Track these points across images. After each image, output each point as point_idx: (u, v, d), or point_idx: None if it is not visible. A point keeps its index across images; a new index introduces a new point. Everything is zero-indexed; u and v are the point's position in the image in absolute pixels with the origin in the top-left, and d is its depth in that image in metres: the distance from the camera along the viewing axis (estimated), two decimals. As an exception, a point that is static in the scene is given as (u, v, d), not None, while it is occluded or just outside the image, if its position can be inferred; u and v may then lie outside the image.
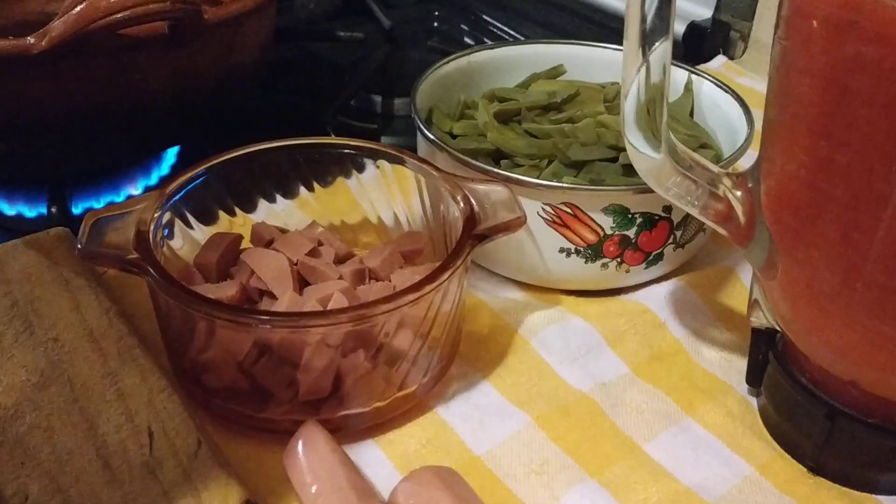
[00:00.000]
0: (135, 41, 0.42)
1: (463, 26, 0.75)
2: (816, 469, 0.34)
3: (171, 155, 0.54)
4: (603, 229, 0.39)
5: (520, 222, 0.36)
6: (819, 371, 0.32)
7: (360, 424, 0.35)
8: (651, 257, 0.41)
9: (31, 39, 0.39)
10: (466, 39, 0.74)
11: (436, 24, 0.76)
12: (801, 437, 0.34)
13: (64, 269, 0.39)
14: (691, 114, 0.48)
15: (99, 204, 0.50)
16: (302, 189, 0.42)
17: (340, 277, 0.38)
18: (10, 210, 0.49)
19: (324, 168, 0.42)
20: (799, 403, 0.33)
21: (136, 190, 0.51)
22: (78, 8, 0.38)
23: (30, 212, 0.49)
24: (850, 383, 0.31)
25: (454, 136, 0.45)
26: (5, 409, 0.33)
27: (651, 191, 0.33)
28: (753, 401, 0.37)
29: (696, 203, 0.33)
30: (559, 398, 0.37)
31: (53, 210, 0.47)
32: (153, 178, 0.52)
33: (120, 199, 0.50)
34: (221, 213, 0.40)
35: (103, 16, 0.38)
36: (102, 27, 0.39)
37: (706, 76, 0.48)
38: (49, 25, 0.39)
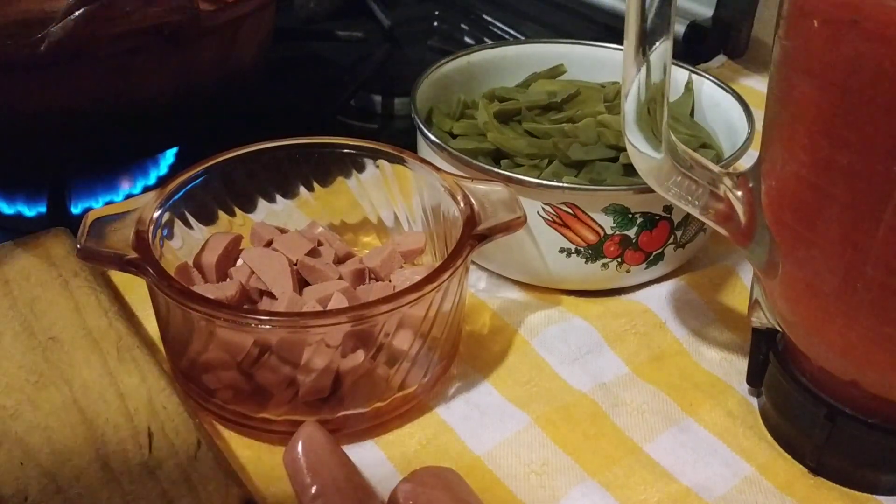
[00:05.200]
0: (133, 45, 0.41)
1: (463, 26, 0.75)
2: (817, 469, 0.34)
3: (170, 155, 0.54)
4: (603, 229, 0.39)
5: (520, 222, 0.36)
6: (820, 371, 0.32)
7: (360, 424, 0.34)
8: (651, 257, 0.41)
9: (30, 44, 0.39)
10: (466, 39, 0.74)
11: (436, 24, 0.76)
12: (801, 437, 0.34)
13: (63, 269, 0.39)
14: (692, 113, 0.48)
15: (98, 204, 0.50)
16: (302, 189, 0.42)
17: (340, 277, 0.38)
18: (9, 210, 0.49)
19: (324, 168, 0.42)
20: (799, 403, 0.33)
21: (135, 190, 0.51)
22: (77, 13, 0.38)
23: (29, 212, 0.49)
24: (850, 383, 0.31)
25: (454, 136, 0.45)
26: (5, 408, 0.33)
27: (651, 191, 0.33)
28: (754, 401, 0.37)
29: (697, 203, 0.33)
30: (559, 398, 0.37)
31: (53, 210, 0.47)
32: (152, 178, 0.52)
33: (119, 199, 0.50)
34: (221, 213, 0.40)
35: (102, 20, 0.38)
36: (101, 31, 0.39)
37: (707, 76, 0.48)
38: (48, 30, 0.38)
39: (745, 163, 0.36)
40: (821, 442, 0.33)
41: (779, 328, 0.34)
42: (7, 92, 0.41)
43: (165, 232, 0.37)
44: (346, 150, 0.41)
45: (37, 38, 0.39)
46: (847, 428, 0.32)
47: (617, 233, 0.40)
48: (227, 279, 0.38)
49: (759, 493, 0.33)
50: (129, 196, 0.50)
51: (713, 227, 0.33)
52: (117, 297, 0.40)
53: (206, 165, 0.38)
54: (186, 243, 0.38)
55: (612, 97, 0.47)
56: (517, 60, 0.51)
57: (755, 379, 0.37)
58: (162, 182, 0.47)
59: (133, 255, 0.33)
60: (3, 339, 0.36)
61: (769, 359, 0.35)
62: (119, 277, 0.41)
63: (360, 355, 0.33)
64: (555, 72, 0.50)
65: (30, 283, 0.38)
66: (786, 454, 0.35)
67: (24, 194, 0.49)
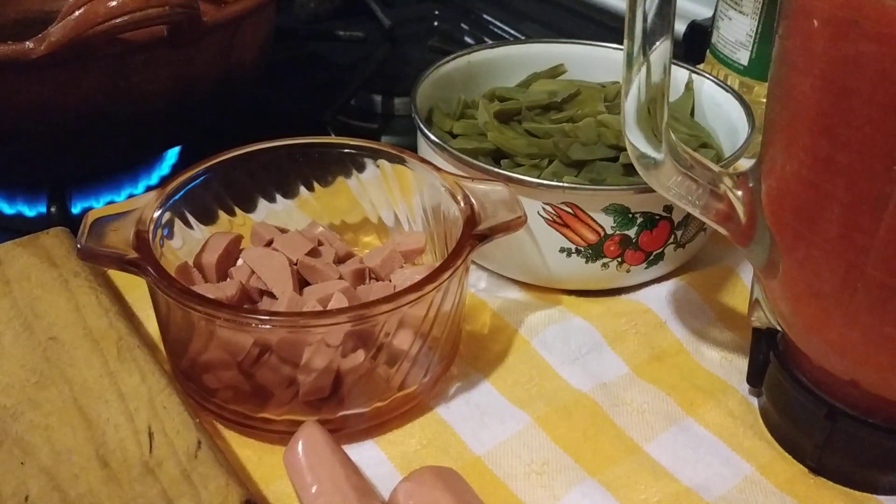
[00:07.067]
0: (134, 45, 0.41)
1: (463, 26, 0.75)
2: (817, 469, 0.34)
3: (171, 155, 0.54)
4: (603, 229, 0.39)
5: (520, 222, 0.36)
6: (820, 371, 0.32)
7: (360, 424, 0.34)
8: (652, 257, 0.41)
9: (29, 44, 0.39)
10: (466, 39, 0.74)
11: (436, 24, 0.76)
12: (801, 437, 0.34)
13: (63, 269, 0.39)
14: (692, 113, 0.48)
15: (99, 204, 0.50)
16: (302, 189, 0.42)
17: (340, 277, 0.38)
18: (9, 210, 0.49)
19: (324, 168, 0.42)
20: (800, 403, 0.33)
21: (138, 190, 0.51)
22: (77, 13, 0.38)
23: (30, 212, 0.49)
24: (850, 383, 0.31)
25: (454, 136, 0.45)
26: (5, 408, 0.33)
27: (651, 190, 0.33)
28: (754, 401, 0.37)
29: (697, 203, 0.33)
30: (559, 398, 0.37)
31: (53, 210, 0.47)
32: (154, 178, 0.52)
33: (120, 198, 0.50)
34: (221, 213, 0.40)
35: (102, 21, 0.38)
36: (101, 32, 0.39)
37: (707, 75, 0.48)
38: (48, 30, 0.38)
39: (746, 162, 0.36)
40: (821, 442, 0.33)
41: (779, 328, 0.34)
42: (7, 92, 0.41)
43: (165, 232, 0.37)
44: (346, 150, 0.41)
45: (37, 38, 0.39)
46: (847, 428, 0.32)
47: (617, 232, 0.40)
48: (227, 279, 0.38)
49: (760, 492, 0.33)
50: (130, 196, 0.50)
51: (713, 227, 0.33)
52: (117, 297, 0.40)
53: (207, 165, 0.38)
54: (186, 243, 0.38)
55: (612, 97, 0.47)
56: (517, 60, 0.51)
57: (755, 379, 0.37)
58: (163, 181, 0.47)
59: (133, 255, 0.33)
60: (3, 339, 0.36)
61: (769, 359, 0.35)
62: (119, 277, 0.41)
63: (360, 355, 0.33)
64: (555, 72, 0.50)
65: (30, 283, 0.38)
66: (786, 454, 0.35)
67: (24, 194, 0.49)
